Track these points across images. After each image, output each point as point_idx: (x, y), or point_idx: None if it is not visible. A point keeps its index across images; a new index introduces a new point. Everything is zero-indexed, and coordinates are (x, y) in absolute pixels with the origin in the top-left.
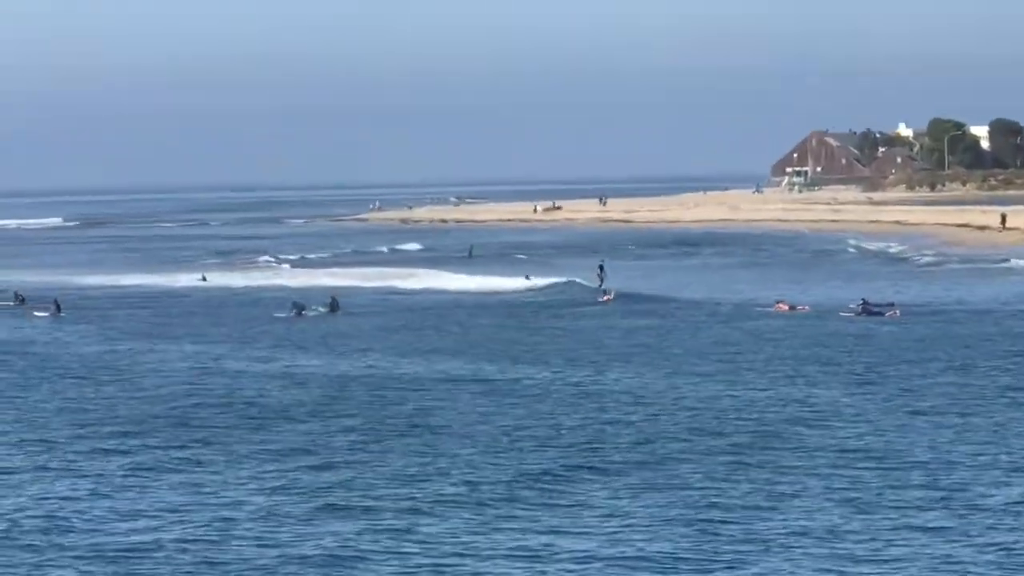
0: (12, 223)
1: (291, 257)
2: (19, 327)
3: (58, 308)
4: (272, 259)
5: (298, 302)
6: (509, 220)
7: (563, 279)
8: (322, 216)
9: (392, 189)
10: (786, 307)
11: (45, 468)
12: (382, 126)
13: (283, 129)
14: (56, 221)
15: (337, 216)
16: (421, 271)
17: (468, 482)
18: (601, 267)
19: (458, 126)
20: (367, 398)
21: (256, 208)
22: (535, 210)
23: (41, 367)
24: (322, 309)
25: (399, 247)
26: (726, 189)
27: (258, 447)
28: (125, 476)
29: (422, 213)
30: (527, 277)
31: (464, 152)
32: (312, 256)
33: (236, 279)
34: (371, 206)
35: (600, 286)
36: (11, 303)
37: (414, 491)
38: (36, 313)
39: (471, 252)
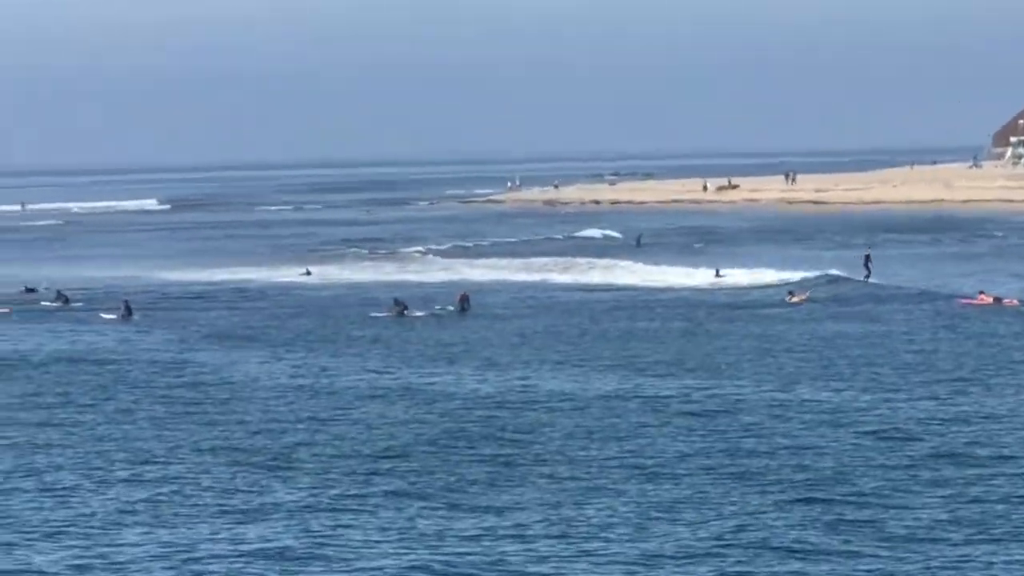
0: (103, 205)
1: (438, 247)
2: (78, 333)
3: (128, 311)
4: (421, 249)
5: (400, 299)
6: (676, 201)
7: (806, 274)
8: (449, 197)
9: (527, 165)
10: (989, 299)
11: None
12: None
13: (382, 97)
14: (151, 203)
15: (468, 197)
16: (583, 261)
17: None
18: (867, 257)
19: (613, 90)
20: (499, 422)
21: (366, 188)
22: (705, 188)
23: (105, 384)
24: (450, 308)
25: (579, 234)
26: (935, 163)
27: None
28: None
29: (571, 193)
30: (717, 272)
31: (621, 122)
32: (451, 245)
33: (349, 272)
34: (509, 184)
35: (867, 277)
36: (53, 303)
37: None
38: (103, 315)
39: (639, 240)
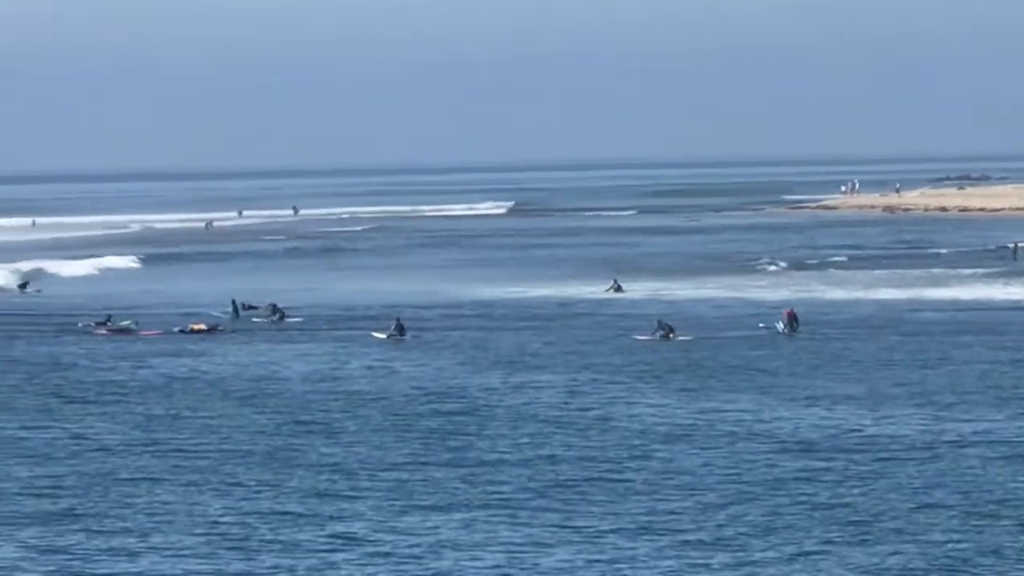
0: (459, 209)
1: (781, 258)
2: (343, 354)
3: (401, 330)
4: (767, 261)
5: (664, 322)
6: None
7: None
8: (774, 202)
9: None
10: None
11: None
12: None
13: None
14: (489, 207)
15: (797, 203)
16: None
17: None
18: None
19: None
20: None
21: (676, 194)
22: None
23: (354, 409)
24: (778, 326)
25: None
26: None
27: None
28: None
29: (913, 198)
30: None
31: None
32: (795, 256)
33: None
34: (843, 188)
35: None
36: (266, 318)
37: None
38: (374, 334)
39: (1016, 252)
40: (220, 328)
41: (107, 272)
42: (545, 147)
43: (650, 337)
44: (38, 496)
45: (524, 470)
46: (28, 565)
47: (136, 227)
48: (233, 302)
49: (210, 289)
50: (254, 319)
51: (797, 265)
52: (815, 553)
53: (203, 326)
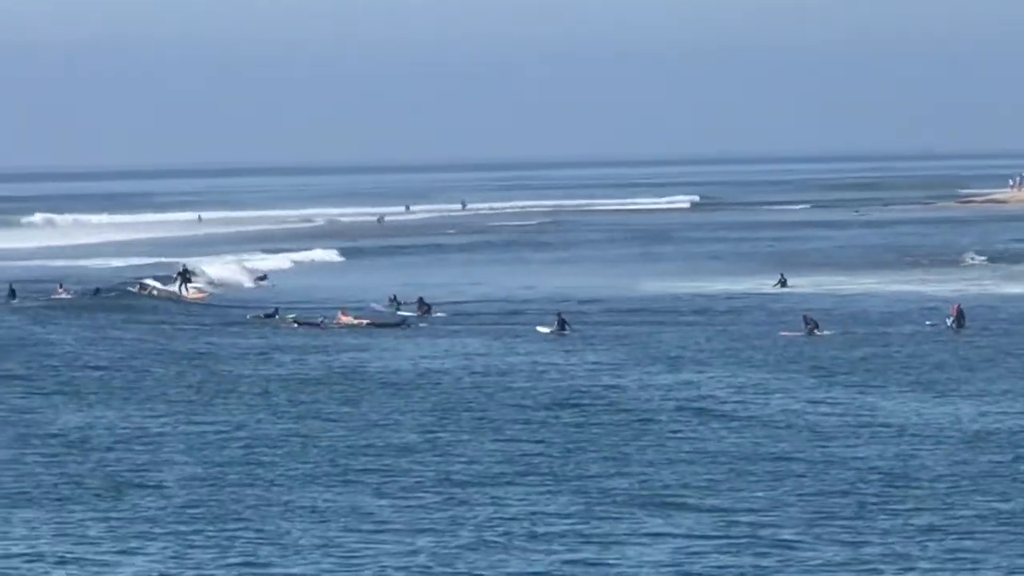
0: (643, 203)
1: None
2: (504, 348)
3: (562, 324)
4: (973, 256)
5: (810, 316)
6: None
7: None
8: (942, 196)
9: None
10: None
11: None
12: None
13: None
14: (674, 201)
15: (967, 198)
16: None
17: None
18: None
19: None
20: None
21: (842, 188)
22: None
23: (500, 404)
24: (948, 321)
25: None
26: None
27: None
28: None
29: None
30: None
31: None
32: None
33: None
34: (1010, 182)
35: None
36: (414, 312)
37: None
38: (539, 329)
39: None
40: (380, 323)
41: (314, 265)
42: (733, 140)
43: (797, 334)
44: (203, 486)
45: (686, 466)
46: (199, 556)
47: (320, 221)
48: (394, 298)
49: (414, 282)
50: (400, 313)
51: (995, 258)
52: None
53: (359, 319)
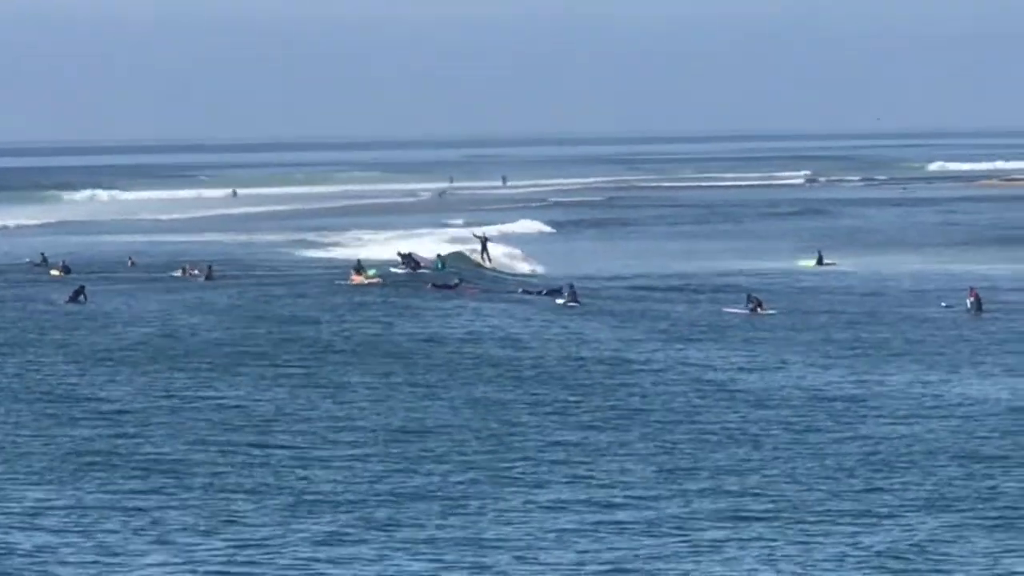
0: (753, 178)
1: None
2: (523, 317)
3: (574, 294)
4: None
5: (753, 295)
6: None
7: None
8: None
9: None
10: None
11: None
12: None
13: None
14: (787, 176)
15: (1011, 177)
16: None
17: None
18: None
19: None
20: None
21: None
22: None
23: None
24: (968, 304)
25: None
26: None
27: None
28: None
29: None
30: None
31: None
32: None
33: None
34: None
35: None
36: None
37: None
38: (556, 300)
39: None
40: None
41: (528, 237)
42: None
43: (739, 311)
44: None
45: (733, 449)
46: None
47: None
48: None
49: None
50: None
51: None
52: None
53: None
